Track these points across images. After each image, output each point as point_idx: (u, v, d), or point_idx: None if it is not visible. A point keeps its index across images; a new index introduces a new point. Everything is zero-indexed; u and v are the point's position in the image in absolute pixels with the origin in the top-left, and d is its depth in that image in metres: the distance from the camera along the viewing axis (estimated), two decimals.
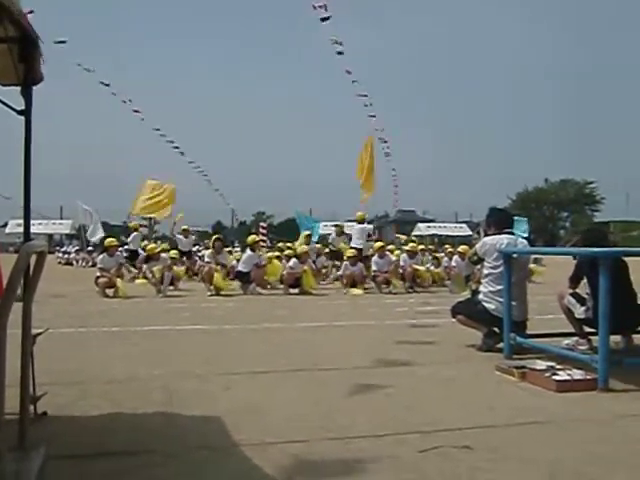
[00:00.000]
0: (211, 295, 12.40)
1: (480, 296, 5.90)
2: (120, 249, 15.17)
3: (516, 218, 9.12)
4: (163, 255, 14.19)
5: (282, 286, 13.55)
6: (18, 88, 2.82)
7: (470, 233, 42.99)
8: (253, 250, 13.80)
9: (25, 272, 2.44)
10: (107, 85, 26.59)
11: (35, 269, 2.38)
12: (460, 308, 6.12)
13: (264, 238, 22.53)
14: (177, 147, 32.36)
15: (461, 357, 5.46)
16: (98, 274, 12.55)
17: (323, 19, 20.80)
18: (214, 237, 15.00)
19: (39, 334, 3.08)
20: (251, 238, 14.41)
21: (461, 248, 15.60)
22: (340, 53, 22.48)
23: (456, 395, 4.09)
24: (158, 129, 29.84)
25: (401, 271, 14.01)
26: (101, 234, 25.95)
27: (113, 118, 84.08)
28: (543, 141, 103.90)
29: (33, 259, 2.33)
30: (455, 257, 15.07)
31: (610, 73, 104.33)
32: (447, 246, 18.22)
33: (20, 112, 2.75)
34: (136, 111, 28.44)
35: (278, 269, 14.19)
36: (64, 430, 3.25)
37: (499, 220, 6.11)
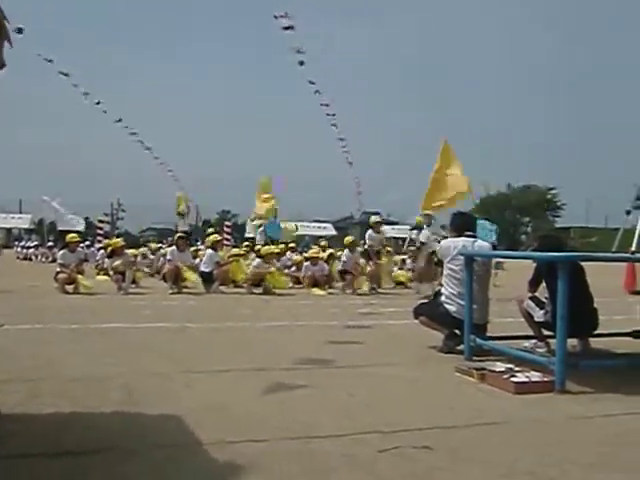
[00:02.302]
0: (173, 293, 12.29)
1: (442, 298, 5.97)
2: (82, 245, 14.95)
3: (485, 224, 9.21)
4: (127, 251, 14.03)
5: (246, 285, 13.51)
6: None
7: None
8: (214, 249, 13.72)
9: None
10: (66, 75, 26.03)
11: None
12: (423, 309, 6.17)
13: (229, 237, 22.38)
14: (141, 141, 31.99)
15: (422, 358, 5.51)
16: (58, 270, 12.33)
17: (285, 28, 20.65)
18: (177, 235, 14.85)
19: None
20: (212, 237, 14.29)
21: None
22: (302, 63, 22.32)
23: (417, 396, 4.12)
24: (120, 120, 29.39)
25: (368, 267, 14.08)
26: (80, 226, 25.63)
27: (74, 111, 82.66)
28: (507, 147, 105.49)
29: None
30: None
31: (577, 80, 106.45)
32: (412, 248, 18.29)
33: None
34: (98, 103, 27.95)
35: (243, 268, 14.13)
36: (18, 429, 3.17)
37: (460, 224, 6.21)
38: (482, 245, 6.09)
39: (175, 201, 23.71)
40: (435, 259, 6.29)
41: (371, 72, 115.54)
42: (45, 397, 3.79)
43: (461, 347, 5.65)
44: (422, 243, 13.02)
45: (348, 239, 14.77)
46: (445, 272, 6.04)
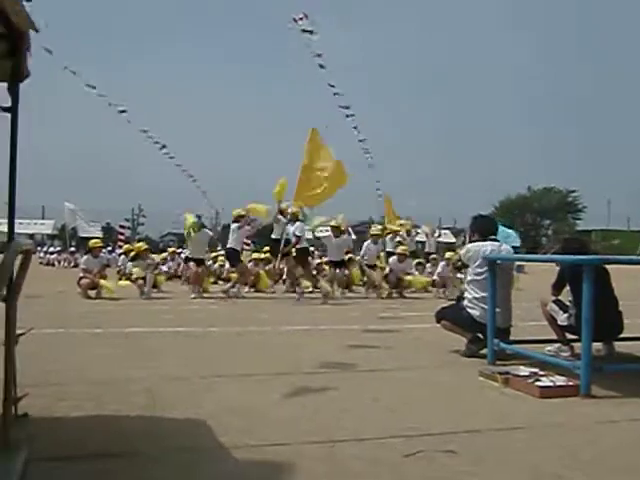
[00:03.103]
0: (195, 298, 12.35)
1: (465, 302, 5.93)
2: (103, 251, 15.07)
3: (506, 230, 9.15)
4: (151, 255, 14.19)
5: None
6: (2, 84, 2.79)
7: (454, 240, 43.15)
8: (237, 222, 13.67)
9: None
10: (93, 88, 26.41)
11: (20, 268, 2.36)
12: (445, 313, 6.14)
13: (247, 241, 22.42)
14: (163, 146, 32.18)
15: (445, 362, 5.48)
16: (81, 275, 12.46)
17: (304, 31, 20.61)
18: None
19: (22, 334, 3.04)
20: (236, 212, 14.26)
21: (447, 254, 15.60)
22: (322, 66, 22.29)
23: (441, 400, 4.10)
24: (145, 131, 29.65)
25: (387, 272, 14.06)
26: (96, 232, 25.91)
27: (99, 119, 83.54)
28: (526, 149, 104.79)
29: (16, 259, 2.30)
30: (441, 263, 15.11)
31: (594, 83, 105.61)
32: (434, 255, 18.14)
33: (6, 109, 2.71)
34: (122, 111, 28.22)
35: (266, 280, 14.29)
36: (46, 431, 3.22)
37: (483, 227, 6.14)
38: (507, 249, 6.05)
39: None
40: (459, 264, 6.21)
41: (392, 75, 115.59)
42: (70, 401, 3.83)
43: (484, 351, 5.62)
44: (297, 236, 12.60)
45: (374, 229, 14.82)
46: (469, 277, 5.99)
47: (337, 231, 13.46)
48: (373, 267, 14.36)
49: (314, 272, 14.57)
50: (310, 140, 12.90)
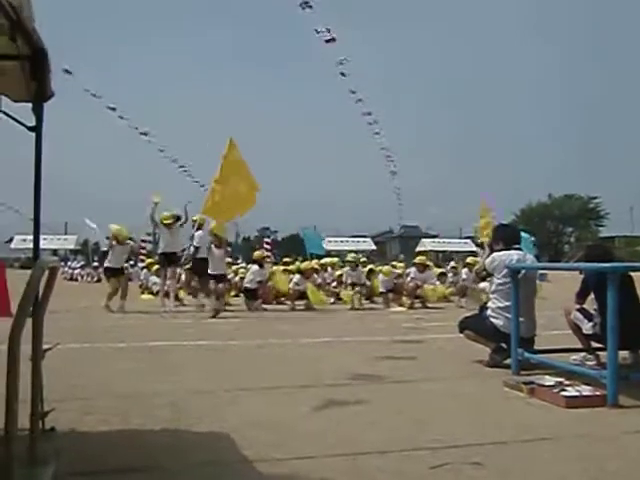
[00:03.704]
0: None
1: (488, 312, 5.89)
2: (125, 265, 15.12)
3: (524, 235, 9.09)
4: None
5: (288, 302, 13.57)
6: (26, 105, 2.84)
7: (474, 249, 42.93)
8: (261, 265, 13.75)
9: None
10: (113, 109, 26.86)
11: (47, 284, 2.39)
12: (468, 323, 6.10)
13: (269, 254, 22.52)
14: (181, 166, 32.47)
15: (469, 373, 5.44)
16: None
17: (327, 40, 20.78)
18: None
19: (48, 349, 3.08)
20: (258, 253, 14.34)
21: (470, 260, 15.36)
22: (343, 74, 22.47)
23: (465, 411, 4.07)
24: (163, 150, 29.96)
25: (410, 283, 13.98)
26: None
27: (116, 138, 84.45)
28: (546, 156, 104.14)
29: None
30: (464, 270, 15.00)
31: (615, 90, 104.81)
32: (453, 263, 18.03)
33: (31, 128, 2.76)
34: (143, 134, 28.58)
35: (285, 281, 14.21)
36: (71, 446, 3.24)
37: (507, 236, 6.10)
38: (531, 258, 6.00)
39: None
40: (484, 273, 6.15)
41: (413, 83, 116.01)
42: (96, 415, 3.86)
43: (508, 361, 5.57)
44: (195, 247, 12.30)
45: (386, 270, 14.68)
46: (494, 286, 5.94)
47: (218, 241, 12.37)
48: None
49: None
50: (228, 152, 11.64)
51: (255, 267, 13.70)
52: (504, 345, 5.68)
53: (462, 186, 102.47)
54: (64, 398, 4.16)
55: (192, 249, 12.47)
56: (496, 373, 5.34)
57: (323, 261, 18.18)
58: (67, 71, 20.03)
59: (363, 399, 4.32)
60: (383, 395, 4.51)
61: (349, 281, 14.23)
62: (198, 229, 12.50)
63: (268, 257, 21.08)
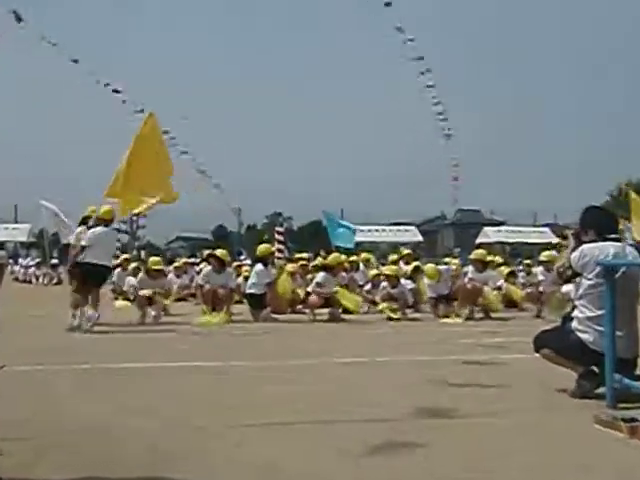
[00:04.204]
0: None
1: (573, 324, 5.80)
2: None
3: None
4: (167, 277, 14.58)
5: (307, 310, 13.57)
6: None
7: (554, 239, 42.50)
8: (266, 264, 13.75)
9: None
10: (75, 62, 27.14)
11: None
12: (546, 339, 6.03)
13: (281, 247, 22.40)
14: (165, 132, 32.61)
15: (548, 405, 5.40)
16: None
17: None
18: (207, 252, 15.16)
19: None
20: (264, 248, 14.32)
21: (544, 255, 15.20)
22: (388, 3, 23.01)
23: (543, 453, 4.03)
24: (141, 111, 30.22)
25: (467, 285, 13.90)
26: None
27: (82, 95, 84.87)
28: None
29: None
30: (539, 269, 14.85)
31: None
32: (527, 261, 17.81)
33: None
34: (116, 91, 28.83)
35: (286, 282, 14.17)
36: None
37: (600, 223, 5.99)
38: (633, 252, 5.88)
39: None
40: (569, 273, 6.03)
41: (480, 40, 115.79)
42: (50, 459, 3.85)
43: (600, 390, 5.51)
44: (82, 247, 11.63)
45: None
46: (581, 290, 5.84)
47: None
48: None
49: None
50: (145, 127, 12.16)
51: (260, 267, 13.69)
52: (595, 368, 5.62)
53: (536, 157, 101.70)
54: (10, 436, 4.18)
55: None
56: (585, 405, 5.28)
57: (353, 258, 18.16)
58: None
59: (407, 439, 4.29)
60: (437, 433, 4.47)
61: (385, 299, 14.08)
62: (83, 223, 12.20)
63: (280, 251, 21.05)
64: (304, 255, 19.54)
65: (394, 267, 15.47)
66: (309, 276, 15.67)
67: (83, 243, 11.65)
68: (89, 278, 11.58)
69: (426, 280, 14.29)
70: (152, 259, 14.76)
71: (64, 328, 10.65)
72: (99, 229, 11.80)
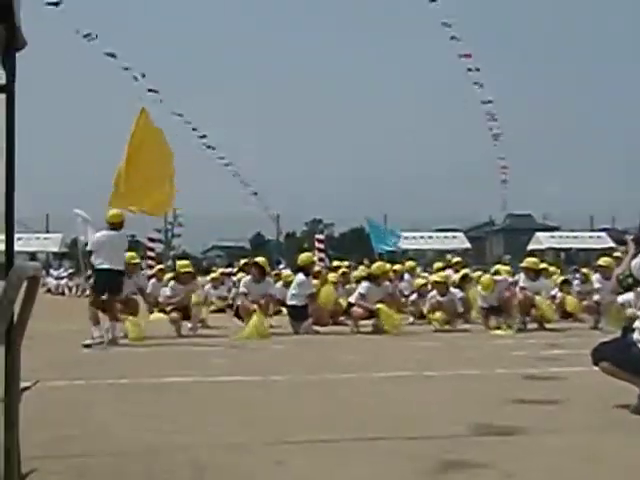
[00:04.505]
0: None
1: (635, 336, 5.74)
2: None
3: None
4: (196, 280, 14.52)
5: (350, 322, 13.54)
6: None
7: (612, 245, 41.95)
8: (307, 274, 13.72)
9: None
10: (113, 56, 27.35)
11: (25, 300, 2.40)
12: (606, 352, 5.95)
13: (322, 256, 22.43)
14: (202, 136, 32.89)
15: (608, 422, 5.33)
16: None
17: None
18: (244, 261, 15.21)
19: (26, 388, 3.12)
20: (305, 257, 14.30)
21: (602, 261, 14.75)
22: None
23: (603, 477, 3.98)
24: (181, 115, 30.44)
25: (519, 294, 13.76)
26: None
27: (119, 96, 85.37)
28: None
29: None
30: (596, 276, 14.60)
31: None
32: (583, 269, 17.45)
33: (0, 88, 2.77)
34: (152, 90, 29.09)
35: (330, 293, 14.13)
36: None
37: None
38: None
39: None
40: (629, 281, 5.96)
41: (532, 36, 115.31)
42: (93, 478, 3.91)
43: None
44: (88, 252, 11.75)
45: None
46: None
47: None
48: None
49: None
50: (139, 124, 11.92)
51: (301, 277, 13.67)
52: None
53: (593, 155, 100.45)
54: (48, 454, 4.23)
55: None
56: None
57: (397, 267, 18.08)
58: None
59: (457, 458, 4.27)
60: (482, 452, 4.43)
61: (435, 309, 14.02)
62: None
63: (322, 260, 21.06)
64: (344, 263, 19.37)
65: (444, 274, 15.35)
66: (350, 285, 15.70)
67: (88, 248, 11.82)
68: (99, 285, 11.53)
69: (479, 289, 14.16)
70: (180, 262, 14.74)
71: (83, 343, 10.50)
72: (104, 232, 11.80)
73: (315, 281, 14.38)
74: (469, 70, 25.58)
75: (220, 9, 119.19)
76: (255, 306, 12.65)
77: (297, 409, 5.98)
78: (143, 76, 29.49)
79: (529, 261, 14.68)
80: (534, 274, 14.11)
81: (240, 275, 17.93)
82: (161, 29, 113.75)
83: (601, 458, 4.41)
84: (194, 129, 31.88)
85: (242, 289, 13.49)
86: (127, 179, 11.56)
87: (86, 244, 20.02)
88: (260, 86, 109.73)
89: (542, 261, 16.55)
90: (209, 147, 34.90)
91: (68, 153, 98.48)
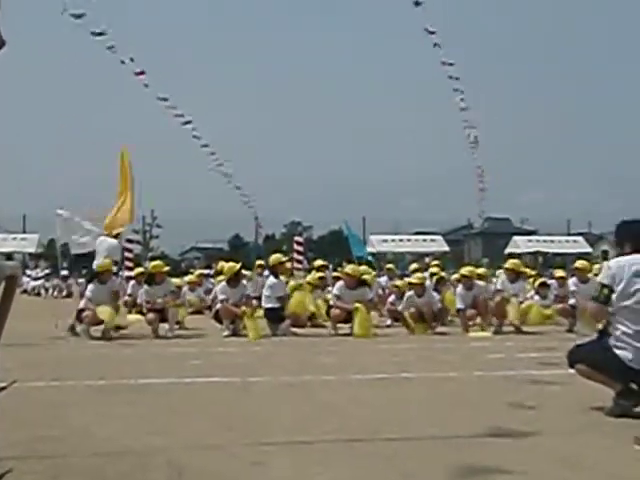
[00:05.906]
0: (228, 336, 12.48)
1: (611, 340, 5.78)
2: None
3: None
4: (170, 279, 14.47)
5: (328, 324, 13.56)
6: None
7: (588, 250, 42.21)
8: (277, 276, 13.77)
9: None
10: (100, 34, 27.13)
11: (3, 299, 2.39)
12: (581, 355, 6.00)
13: (300, 258, 22.30)
14: (188, 122, 32.73)
15: (584, 425, 5.35)
16: (82, 307, 12.64)
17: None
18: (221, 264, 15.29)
19: (2, 389, 3.10)
20: (274, 258, 14.37)
21: (578, 264, 14.87)
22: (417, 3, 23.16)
23: (580, 478, 4.00)
24: (165, 99, 30.30)
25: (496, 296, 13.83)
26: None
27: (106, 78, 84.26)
28: None
29: None
30: (572, 280, 14.63)
31: None
32: (558, 271, 17.50)
33: None
34: (140, 73, 28.93)
35: (304, 298, 14.15)
36: None
37: (636, 236, 6.00)
38: None
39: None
40: (605, 292, 6.02)
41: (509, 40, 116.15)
42: (69, 477, 3.89)
43: None
44: None
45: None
46: (617, 303, 5.84)
47: None
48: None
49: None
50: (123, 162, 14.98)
51: (272, 279, 13.81)
52: (634, 386, 5.58)
53: (571, 161, 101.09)
54: (24, 455, 4.21)
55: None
56: (624, 425, 5.24)
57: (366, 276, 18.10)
58: (133, 60, 21.74)
59: (431, 459, 4.28)
60: (462, 455, 4.45)
61: (412, 310, 13.88)
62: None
63: (299, 262, 20.99)
64: (322, 263, 19.18)
65: (421, 275, 15.35)
66: (328, 288, 15.79)
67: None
68: None
69: (459, 289, 14.17)
70: (152, 264, 15.02)
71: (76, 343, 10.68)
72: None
73: (292, 282, 14.50)
74: (450, 78, 25.69)
75: (220, 9, 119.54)
76: (239, 310, 12.77)
77: (275, 411, 5.97)
78: (132, 60, 29.35)
79: (512, 263, 14.81)
80: (515, 276, 14.21)
81: (220, 278, 17.90)
82: (161, 29, 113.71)
83: (574, 458, 4.42)
84: (186, 121, 31.77)
85: (221, 296, 13.41)
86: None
87: (64, 244, 19.84)
88: (246, 88, 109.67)
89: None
90: (195, 137, 34.79)
91: (46, 153, 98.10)
